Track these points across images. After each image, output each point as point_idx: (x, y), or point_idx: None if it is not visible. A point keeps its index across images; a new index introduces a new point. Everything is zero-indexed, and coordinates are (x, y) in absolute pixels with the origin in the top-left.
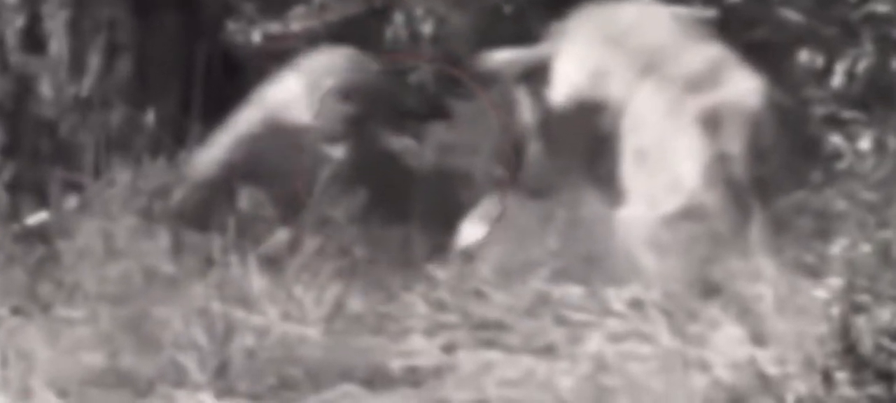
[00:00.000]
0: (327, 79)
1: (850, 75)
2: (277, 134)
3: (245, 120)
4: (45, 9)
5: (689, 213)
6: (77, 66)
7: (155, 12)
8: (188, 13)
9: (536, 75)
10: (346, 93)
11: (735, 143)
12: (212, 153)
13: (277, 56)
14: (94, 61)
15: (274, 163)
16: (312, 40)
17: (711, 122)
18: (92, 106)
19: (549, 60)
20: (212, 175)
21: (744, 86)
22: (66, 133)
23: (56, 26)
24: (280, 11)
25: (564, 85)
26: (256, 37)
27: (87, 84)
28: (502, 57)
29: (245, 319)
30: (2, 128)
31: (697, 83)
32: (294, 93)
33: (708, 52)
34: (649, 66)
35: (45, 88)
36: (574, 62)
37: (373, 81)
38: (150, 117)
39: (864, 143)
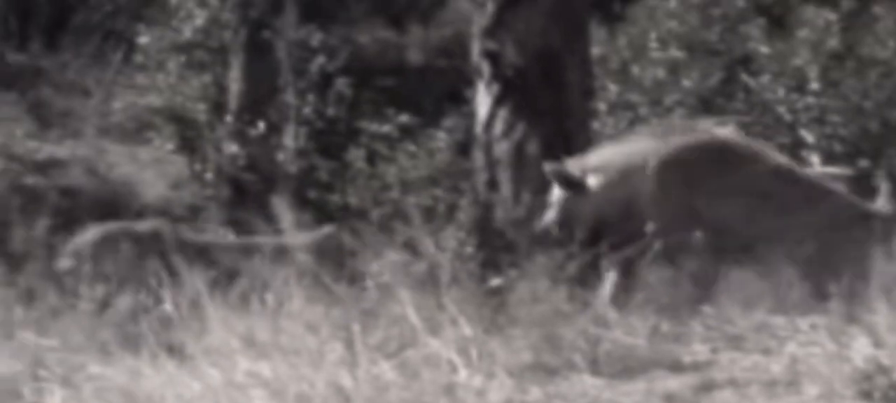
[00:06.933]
0: None
1: None
2: None
3: None
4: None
5: None
6: (517, 201)
7: None
8: None
9: None
10: None
11: None
12: None
13: None
14: (525, 198)
15: None
16: None
17: None
18: (523, 223)
19: None
20: None
21: None
22: (510, 236)
23: (503, 180)
24: None
25: None
26: None
27: (520, 210)
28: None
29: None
30: (478, 234)
31: None
32: None
33: None
34: None
35: (499, 212)
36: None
37: None
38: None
39: None
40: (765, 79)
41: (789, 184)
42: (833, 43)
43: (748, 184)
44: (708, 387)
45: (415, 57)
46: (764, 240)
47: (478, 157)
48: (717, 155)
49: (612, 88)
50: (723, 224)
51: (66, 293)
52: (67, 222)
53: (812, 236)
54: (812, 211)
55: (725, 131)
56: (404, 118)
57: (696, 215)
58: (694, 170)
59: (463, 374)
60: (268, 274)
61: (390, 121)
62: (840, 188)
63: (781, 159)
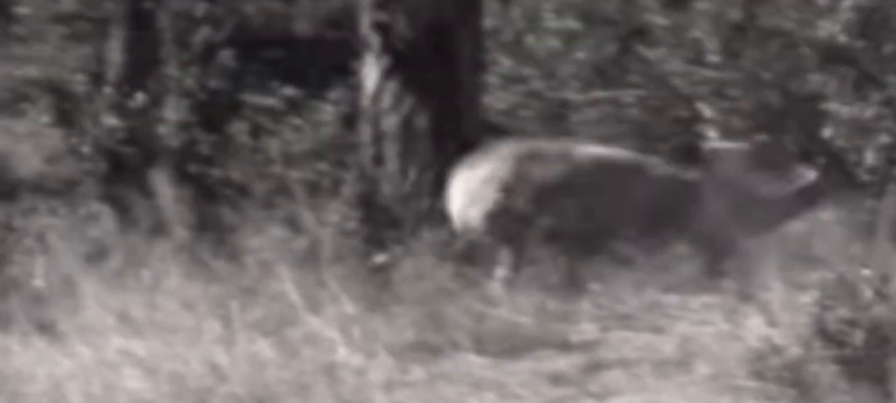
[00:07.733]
0: None
1: None
2: None
3: None
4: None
5: None
6: (404, 176)
7: None
8: None
9: None
10: None
11: None
12: None
13: None
14: (412, 173)
15: None
16: None
17: None
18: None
19: None
20: None
21: None
22: (396, 212)
23: (390, 155)
24: None
25: None
26: None
27: (407, 186)
28: None
29: None
30: (363, 209)
31: None
32: None
33: None
34: None
35: (385, 188)
36: None
37: None
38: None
39: None
40: (661, 50)
41: (606, 170)
42: (734, 14)
43: (567, 182)
44: (596, 367)
45: (303, 28)
46: (602, 229)
47: (364, 131)
48: (528, 161)
49: (505, 62)
50: (559, 223)
51: None
52: None
53: (645, 213)
54: (637, 188)
55: (534, 143)
56: (290, 91)
57: (529, 222)
58: (514, 182)
59: (343, 353)
60: (144, 250)
61: (275, 94)
62: (656, 163)
63: (591, 149)
